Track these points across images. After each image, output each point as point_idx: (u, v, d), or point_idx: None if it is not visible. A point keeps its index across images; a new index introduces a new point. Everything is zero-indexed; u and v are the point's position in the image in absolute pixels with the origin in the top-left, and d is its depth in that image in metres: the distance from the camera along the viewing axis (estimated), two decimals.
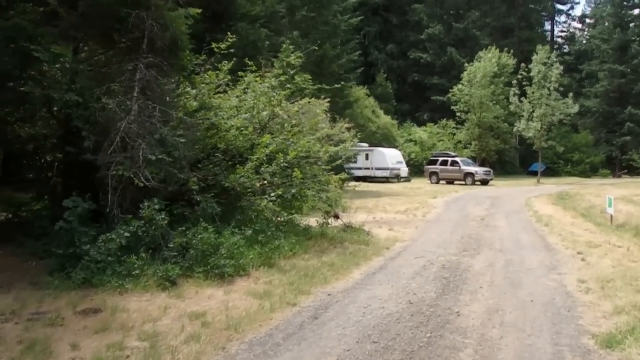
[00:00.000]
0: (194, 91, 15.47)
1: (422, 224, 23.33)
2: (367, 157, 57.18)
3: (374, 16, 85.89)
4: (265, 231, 14.49)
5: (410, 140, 73.31)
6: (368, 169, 56.81)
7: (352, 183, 38.14)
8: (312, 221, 18.19)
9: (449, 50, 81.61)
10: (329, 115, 28.09)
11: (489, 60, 67.69)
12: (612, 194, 27.83)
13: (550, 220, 24.26)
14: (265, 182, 15.06)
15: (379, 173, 56.37)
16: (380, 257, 15.42)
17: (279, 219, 16.14)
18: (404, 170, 57.99)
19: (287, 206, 16.66)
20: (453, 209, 29.76)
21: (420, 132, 74.71)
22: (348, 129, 30.69)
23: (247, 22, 32.26)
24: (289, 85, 17.31)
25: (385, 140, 65.07)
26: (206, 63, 16.62)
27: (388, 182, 54.58)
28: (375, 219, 24.44)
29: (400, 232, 20.35)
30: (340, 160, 19.34)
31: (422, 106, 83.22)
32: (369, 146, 57.79)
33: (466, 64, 69.51)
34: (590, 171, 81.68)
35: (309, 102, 24.46)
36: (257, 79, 17.07)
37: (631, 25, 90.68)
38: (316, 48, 39.18)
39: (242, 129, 15.51)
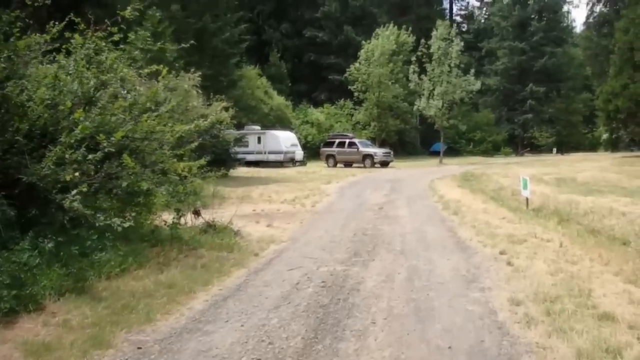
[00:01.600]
0: None
1: (309, 216, 19.50)
2: (259, 141, 53.73)
3: None
4: (84, 241, 10.36)
5: (307, 122, 70.11)
6: (260, 153, 53.32)
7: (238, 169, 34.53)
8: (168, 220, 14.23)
9: (345, 29, 78.43)
10: (200, 92, 24.30)
11: (387, 38, 65.16)
12: (520, 173, 25.08)
13: (459, 206, 20.76)
14: (77, 174, 10.60)
15: (272, 157, 52.74)
16: (243, 269, 11.41)
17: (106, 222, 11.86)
18: (299, 154, 54.51)
19: (128, 203, 12.46)
20: (348, 195, 26.06)
21: (317, 114, 71.56)
22: (226, 109, 26.78)
23: None
24: (122, 46, 12.80)
25: (280, 122, 61.75)
26: (17, 21, 12.04)
27: (282, 166, 50.93)
28: (255, 212, 20.59)
29: (280, 229, 16.48)
30: (194, 143, 15.02)
31: (319, 86, 79.93)
32: (262, 129, 54.33)
33: (363, 42, 66.23)
34: (493, 150, 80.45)
35: (177, 77, 20.73)
36: (79, 38, 12.48)
37: (530, 2, 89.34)
38: (193, 20, 35.29)
39: (54, 103, 11.15)
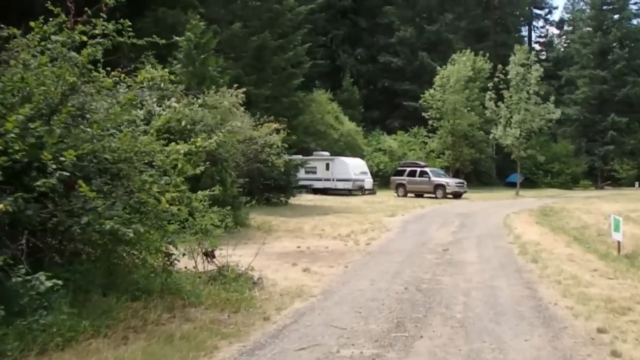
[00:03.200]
0: None
1: (359, 258, 16.08)
2: (327, 167, 50.67)
3: (342, 19, 80.00)
4: (19, 297, 7.22)
5: (380, 150, 66.39)
6: (329, 180, 50.27)
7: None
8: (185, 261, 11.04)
9: (420, 55, 74.98)
10: (245, 111, 21.36)
11: (463, 64, 61.51)
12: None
13: (539, 251, 17.06)
14: (8, 206, 7.37)
15: (340, 185, 49.58)
16: (237, 344, 8.02)
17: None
18: (369, 182, 50.95)
19: (117, 242, 9.23)
20: (411, 232, 22.51)
21: (390, 141, 67.76)
22: (277, 131, 23.69)
23: (179, 8, 25.34)
24: (100, 40, 9.41)
25: (350, 149, 58.53)
26: None
27: (351, 194, 47.70)
28: (299, 249, 17.47)
29: (316, 277, 13.12)
30: (200, 167, 11.41)
31: (393, 113, 76.63)
32: (331, 155, 51.64)
33: (439, 68, 62.80)
34: (572, 182, 75.27)
35: (216, 93, 18.07)
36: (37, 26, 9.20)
37: (613, 29, 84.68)
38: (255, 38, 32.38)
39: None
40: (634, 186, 75.73)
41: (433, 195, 46.79)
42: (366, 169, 52.67)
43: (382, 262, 15.37)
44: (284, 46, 34.88)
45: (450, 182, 48.49)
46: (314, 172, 49.96)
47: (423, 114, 62.35)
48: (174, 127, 18.87)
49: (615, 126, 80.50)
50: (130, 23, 9.48)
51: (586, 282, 12.42)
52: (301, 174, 49.22)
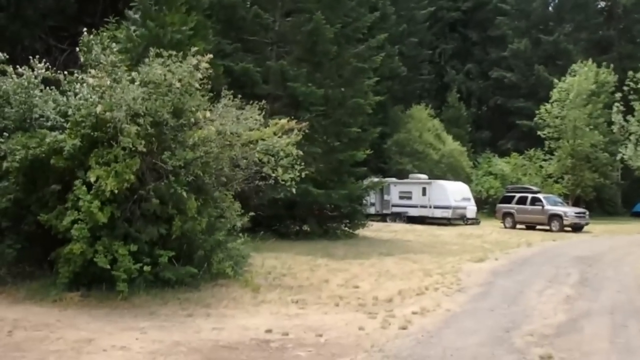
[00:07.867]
0: None
1: None
2: (424, 192, 42.19)
3: (450, 32, 72.08)
4: None
5: (490, 174, 56.66)
6: (425, 207, 41.84)
7: None
8: None
9: (536, 68, 64.52)
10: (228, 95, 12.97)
11: (585, 75, 51.02)
12: None
13: None
14: None
15: (438, 212, 41.29)
16: None
17: None
18: (471, 210, 42.32)
19: None
20: (495, 296, 13.45)
21: (502, 164, 57.91)
22: (287, 132, 14.92)
23: None
24: None
25: (452, 171, 49.59)
26: None
27: (450, 224, 39.25)
28: (265, 338, 9.52)
29: None
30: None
31: (506, 134, 66.37)
32: (429, 178, 43.54)
33: (556, 81, 52.81)
34: None
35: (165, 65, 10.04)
36: None
37: None
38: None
39: None
40: None
41: (547, 227, 37.12)
42: (469, 195, 43.95)
43: None
44: (348, 35, 25.46)
45: (569, 212, 38.20)
46: (409, 198, 42.18)
47: (539, 133, 52.42)
48: (87, 118, 10.85)
49: None
50: None
51: None
52: (395, 199, 41.50)
